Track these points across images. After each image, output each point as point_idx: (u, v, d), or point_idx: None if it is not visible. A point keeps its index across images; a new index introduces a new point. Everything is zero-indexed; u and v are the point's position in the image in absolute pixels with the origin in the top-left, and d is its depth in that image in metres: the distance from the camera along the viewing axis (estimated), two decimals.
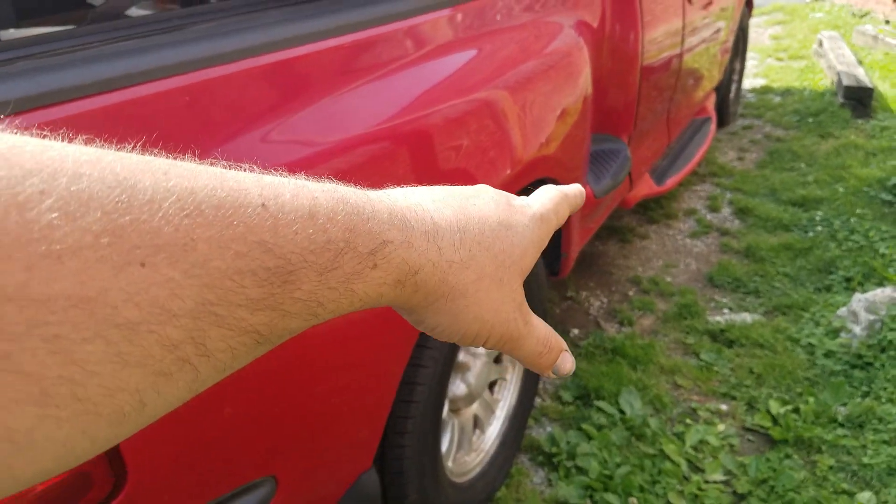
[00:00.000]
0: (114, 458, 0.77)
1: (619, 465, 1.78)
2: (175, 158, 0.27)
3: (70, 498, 0.75)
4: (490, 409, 1.70)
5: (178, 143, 0.78)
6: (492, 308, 0.38)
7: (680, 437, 1.92)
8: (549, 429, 1.96)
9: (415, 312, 0.36)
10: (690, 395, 2.10)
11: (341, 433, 1.09)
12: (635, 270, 2.80)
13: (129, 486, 0.79)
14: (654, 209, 3.28)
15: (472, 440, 1.63)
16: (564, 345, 0.45)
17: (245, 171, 0.29)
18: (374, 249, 0.31)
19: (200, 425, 0.84)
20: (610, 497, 1.69)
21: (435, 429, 1.32)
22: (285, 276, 0.27)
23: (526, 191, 1.66)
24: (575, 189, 0.48)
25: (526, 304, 0.41)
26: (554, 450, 1.83)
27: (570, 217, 1.68)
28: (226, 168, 0.28)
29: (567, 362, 0.45)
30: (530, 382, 1.80)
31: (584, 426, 1.91)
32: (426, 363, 1.23)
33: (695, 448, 1.89)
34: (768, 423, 1.94)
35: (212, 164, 0.29)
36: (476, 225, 0.37)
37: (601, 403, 2.00)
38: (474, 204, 0.39)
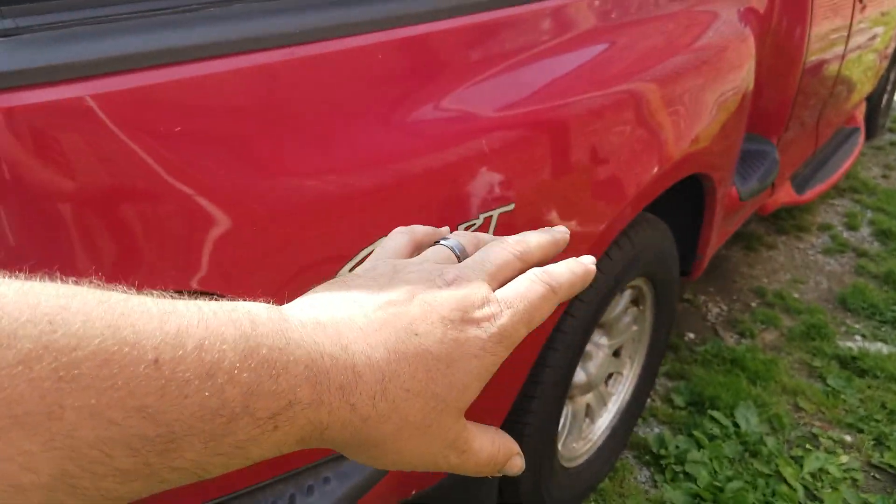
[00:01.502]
0: None
1: (729, 479, 1.72)
2: (85, 285, 0.24)
3: None
4: (603, 401, 1.67)
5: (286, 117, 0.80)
6: (414, 454, 0.34)
7: (798, 461, 1.83)
8: (656, 430, 1.91)
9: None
10: (812, 420, 1.99)
11: (474, 403, 1.10)
12: (760, 281, 2.67)
13: None
14: (786, 219, 3.11)
15: (582, 428, 1.62)
16: (515, 448, 0.40)
17: (163, 298, 0.26)
18: (277, 412, 0.27)
19: None
20: None
21: (557, 411, 1.32)
22: (165, 446, 0.24)
23: (670, 189, 1.57)
24: (572, 278, 0.39)
25: (465, 433, 0.36)
26: (662, 452, 1.79)
27: (709, 217, 1.60)
28: (139, 297, 0.25)
29: (515, 465, 0.40)
30: (646, 382, 1.76)
31: (696, 433, 1.85)
32: (558, 346, 1.23)
33: (813, 475, 1.79)
34: None
35: (128, 289, 0.26)
36: (408, 368, 0.32)
37: (716, 413, 1.93)
38: (416, 334, 0.33)
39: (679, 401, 2.00)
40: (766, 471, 1.77)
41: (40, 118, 0.59)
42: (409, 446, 0.33)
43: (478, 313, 0.34)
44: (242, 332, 0.27)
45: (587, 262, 0.41)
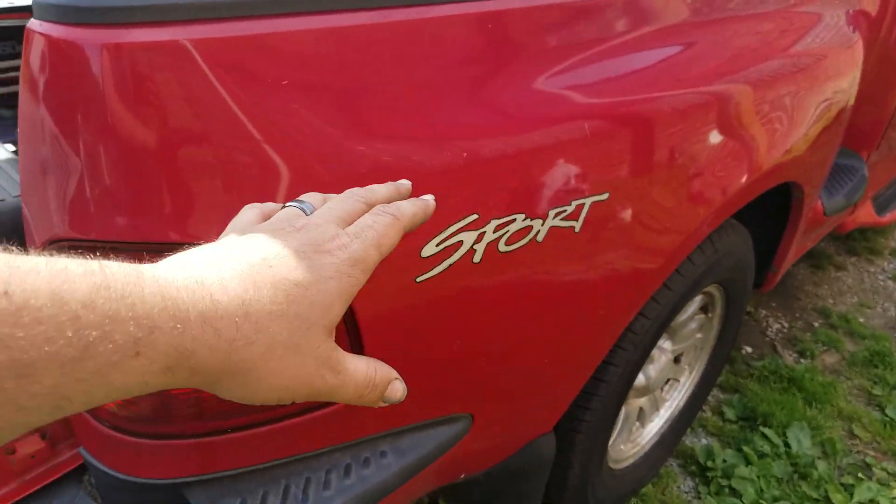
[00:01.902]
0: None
1: (776, 499, 1.68)
2: None
3: None
4: (656, 406, 1.64)
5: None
6: (289, 375, 0.35)
7: (848, 489, 1.77)
8: (704, 441, 1.87)
9: (202, 387, 0.34)
10: (866, 449, 1.93)
11: (539, 393, 1.09)
12: (825, 301, 2.58)
13: None
14: (858, 240, 2.99)
15: (631, 431, 1.59)
16: (394, 374, 0.43)
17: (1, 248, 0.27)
18: (138, 338, 0.28)
19: (431, 349, 0.87)
20: None
21: (615, 412, 1.30)
22: (20, 371, 0.25)
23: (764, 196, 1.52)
24: (413, 208, 0.44)
25: (337, 353, 0.38)
26: (709, 464, 1.75)
27: (792, 229, 1.54)
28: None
29: (397, 391, 0.43)
30: (702, 392, 1.72)
31: (746, 449, 1.80)
32: (626, 346, 1.20)
33: None
34: None
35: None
36: (268, 293, 0.34)
37: (767, 431, 1.88)
38: (269, 266, 0.35)
39: (730, 414, 1.95)
40: (815, 495, 1.72)
41: (147, 58, 0.59)
42: (283, 367, 0.35)
43: (328, 245, 0.38)
44: (95, 268, 0.29)
45: (427, 198, 0.47)
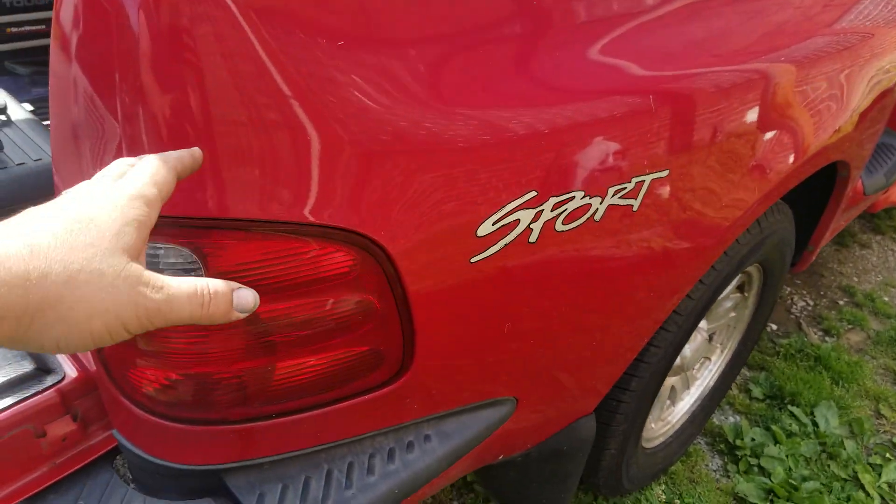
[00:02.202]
0: (407, 345, 0.77)
1: (805, 479, 1.65)
2: None
3: (365, 369, 0.77)
4: (687, 385, 1.61)
5: None
6: (104, 298, 0.38)
7: (875, 469, 1.74)
8: (731, 419, 1.85)
9: (21, 341, 0.36)
10: (893, 429, 1.90)
11: (583, 375, 1.05)
12: (850, 279, 2.54)
13: (410, 373, 0.79)
14: (883, 218, 2.94)
15: (662, 409, 1.57)
16: (234, 284, 0.46)
17: None
18: None
19: (483, 330, 0.83)
20: None
21: (653, 392, 1.27)
22: None
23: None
24: (180, 152, 0.49)
25: (150, 273, 0.42)
26: (738, 442, 1.72)
27: (833, 207, 1.48)
28: None
29: (248, 298, 0.47)
30: (733, 371, 1.69)
31: (774, 427, 1.78)
32: (670, 328, 1.16)
33: (890, 485, 1.71)
34: None
35: None
36: (51, 229, 0.38)
37: (795, 410, 1.85)
38: (61, 208, 0.40)
39: (757, 392, 1.92)
40: (844, 475, 1.70)
41: (189, 10, 0.54)
42: (93, 293, 0.38)
43: (112, 185, 0.43)
44: None
45: (194, 149, 0.51)
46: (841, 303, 2.40)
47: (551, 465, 1.18)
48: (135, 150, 0.58)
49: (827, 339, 2.21)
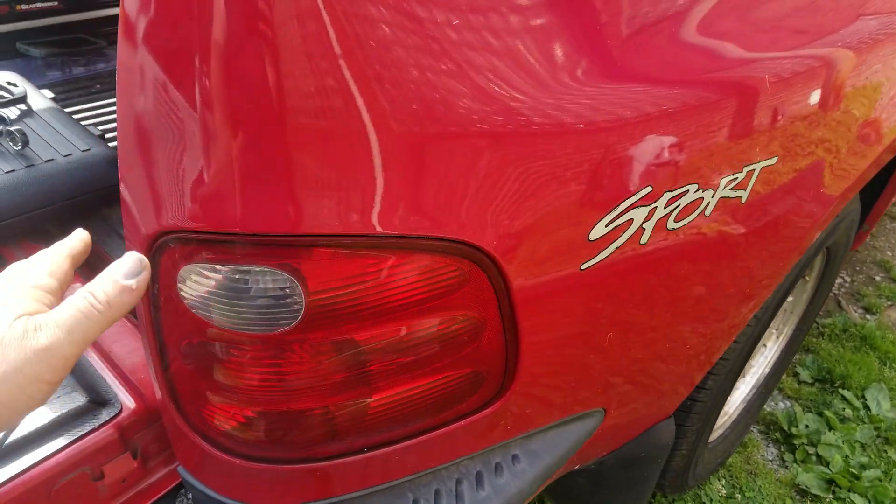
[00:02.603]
0: (509, 364, 0.68)
1: (864, 467, 1.59)
2: None
3: (465, 393, 0.68)
4: (743, 374, 1.54)
5: None
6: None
7: None
8: (781, 405, 1.78)
9: None
10: None
11: (672, 379, 0.97)
12: (884, 254, 2.47)
13: (509, 393, 0.71)
14: None
15: None
16: (114, 273, 0.47)
17: None
18: None
19: (586, 342, 0.74)
20: (857, 499, 1.51)
21: (728, 390, 1.19)
22: None
23: None
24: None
25: (32, 319, 0.43)
26: (793, 430, 1.66)
27: (893, 187, 1.39)
28: None
29: (137, 262, 0.48)
30: (788, 356, 1.61)
31: (827, 413, 1.71)
32: (751, 321, 1.08)
33: None
34: None
35: None
36: None
37: (846, 393, 1.79)
38: None
39: (805, 375, 1.86)
40: None
41: None
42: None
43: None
44: None
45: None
46: (878, 278, 2.33)
47: (627, 471, 1.11)
48: (211, 140, 0.48)
49: (868, 316, 2.15)
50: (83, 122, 1.15)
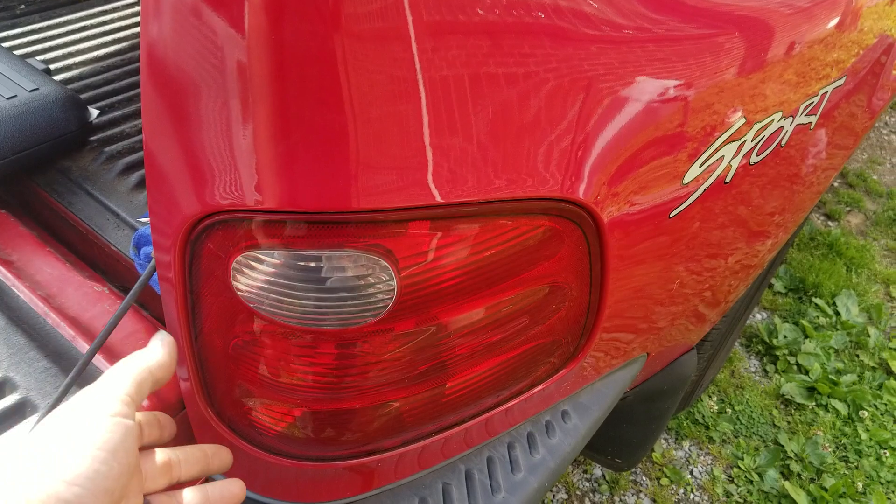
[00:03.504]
0: (587, 327, 0.61)
1: (839, 372, 1.64)
2: None
3: (538, 363, 0.60)
4: None
5: None
6: None
7: None
8: (759, 316, 1.80)
9: None
10: None
11: (710, 315, 0.92)
12: None
13: (580, 357, 0.64)
14: None
15: None
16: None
17: None
18: None
19: (658, 291, 0.67)
20: (837, 404, 1.56)
21: (744, 313, 1.16)
22: None
23: None
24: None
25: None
26: (774, 341, 1.68)
27: None
28: None
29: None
30: (774, 266, 1.61)
31: (803, 322, 1.75)
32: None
33: None
34: None
35: None
36: None
37: (819, 301, 1.82)
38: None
39: (779, 286, 1.88)
40: (872, 363, 1.70)
41: None
42: None
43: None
44: None
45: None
46: (835, 184, 2.37)
47: (647, 404, 1.08)
48: (279, 101, 0.36)
49: (830, 223, 2.18)
50: (17, 54, 0.95)
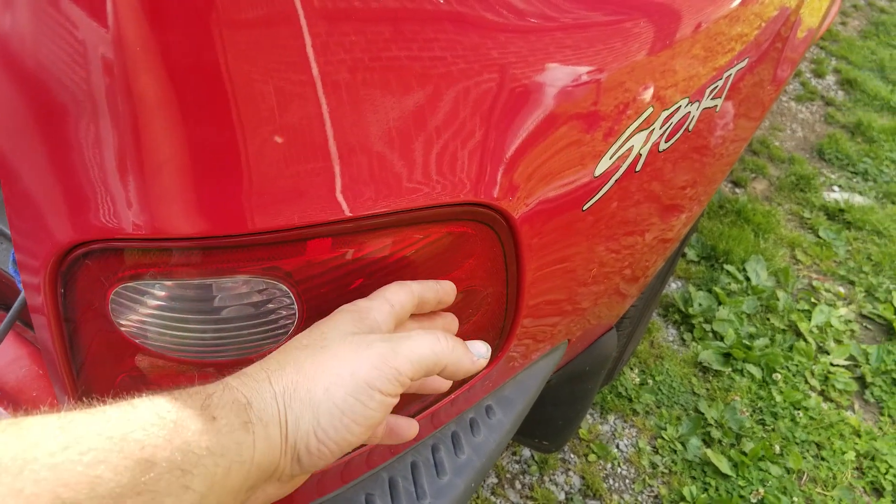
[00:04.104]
0: (506, 327, 0.60)
1: (752, 337, 1.72)
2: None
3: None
4: None
5: None
6: (341, 359, 0.36)
7: (805, 315, 1.85)
8: (674, 285, 1.86)
9: (305, 457, 0.35)
10: (810, 273, 2.02)
11: (627, 296, 0.93)
12: None
13: (501, 355, 0.63)
14: None
15: None
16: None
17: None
18: (204, 404, 0.32)
19: (574, 280, 0.67)
20: (752, 368, 1.63)
21: (660, 288, 1.19)
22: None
23: None
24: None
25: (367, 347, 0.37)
26: (689, 310, 1.74)
27: None
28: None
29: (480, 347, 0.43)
30: (686, 240, 1.66)
31: (715, 289, 1.81)
32: None
33: (819, 328, 1.83)
34: (891, 315, 1.88)
35: None
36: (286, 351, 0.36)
37: (730, 268, 1.90)
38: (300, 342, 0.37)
39: (692, 255, 1.94)
40: (782, 325, 1.79)
41: None
42: (334, 357, 0.36)
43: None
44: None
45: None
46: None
47: (571, 386, 1.09)
48: (151, 120, 0.32)
49: (737, 190, 2.27)
50: None
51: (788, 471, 1.46)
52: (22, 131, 0.35)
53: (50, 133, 0.34)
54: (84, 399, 0.45)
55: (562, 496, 1.37)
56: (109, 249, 0.35)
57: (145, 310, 0.36)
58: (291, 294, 0.38)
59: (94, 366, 0.41)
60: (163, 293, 0.36)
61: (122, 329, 0.37)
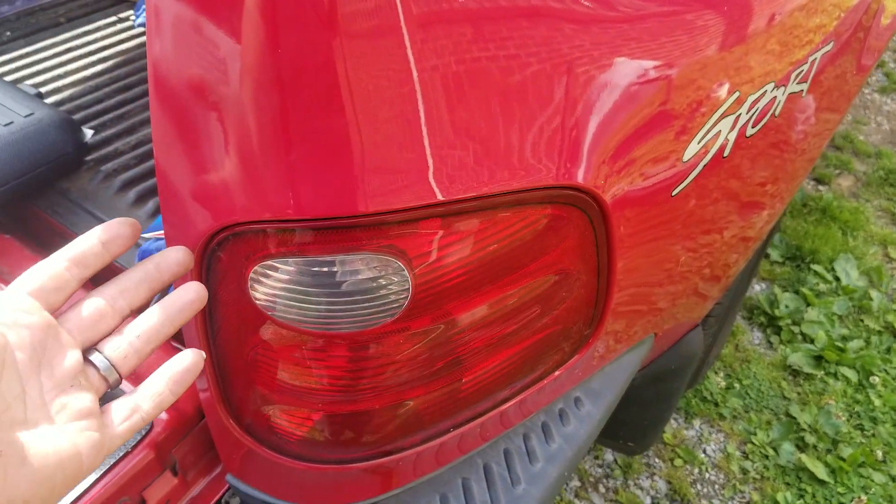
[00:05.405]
0: (596, 314, 0.61)
1: (845, 339, 1.65)
2: None
3: (550, 352, 0.61)
4: None
5: None
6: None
7: None
8: (758, 287, 1.81)
9: None
10: None
11: (714, 289, 0.93)
12: None
13: (590, 344, 0.64)
14: None
15: None
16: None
17: None
18: None
19: (662, 277, 0.68)
20: (847, 371, 1.57)
21: (746, 286, 1.17)
22: None
23: None
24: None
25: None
26: (776, 312, 1.69)
27: None
28: None
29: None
30: (770, 236, 1.62)
31: (803, 290, 1.75)
32: None
33: None
34: None
35: None
36: None
37: (817, 268, 1.83)
38: None
39: (776, 255, 1.89)
40: (878, 327, 1.71)
41: None
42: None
43: None
44: None
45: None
46: None
47: (657, 385, 1.08)
48: (285, 115, 0.36)
49: (821, 188, 2.19)
50: (7, 80, 0.95)
51: (893, 478, 1.40)
52: (173, 143, 0.40)
53: (195, 141, 0.39)
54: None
55: (647, 500, 1.35)
56: (247, 232, 0.39)
57: (278, 284, 0.40)
58: (405, 270, 0.41)
59: (229, 341, 0.45)
60: (292, 269, 0.40)
61: (257, 303, 0.41)
